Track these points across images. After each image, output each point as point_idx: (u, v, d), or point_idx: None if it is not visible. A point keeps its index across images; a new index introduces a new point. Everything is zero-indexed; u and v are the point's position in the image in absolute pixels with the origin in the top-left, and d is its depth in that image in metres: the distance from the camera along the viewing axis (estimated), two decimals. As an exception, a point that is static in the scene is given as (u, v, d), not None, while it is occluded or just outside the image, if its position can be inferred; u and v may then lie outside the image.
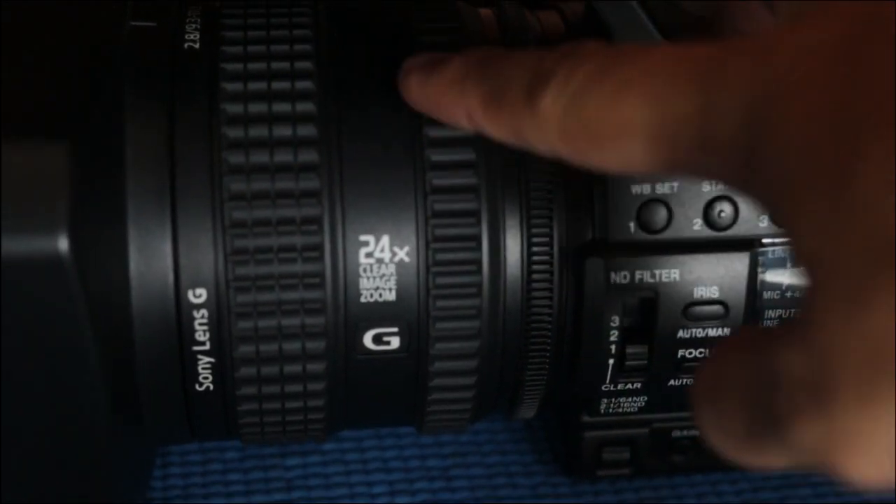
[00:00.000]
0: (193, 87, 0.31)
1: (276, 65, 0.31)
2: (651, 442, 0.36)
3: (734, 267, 0.32)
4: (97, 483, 0.32)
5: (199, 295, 0.30)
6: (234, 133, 0.30)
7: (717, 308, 0.32)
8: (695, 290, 0.32)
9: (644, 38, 0.31)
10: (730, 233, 0.32)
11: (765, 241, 0.32)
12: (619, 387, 0.34)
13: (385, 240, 0.31)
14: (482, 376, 0.32)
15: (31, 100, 0.28)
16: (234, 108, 0.30)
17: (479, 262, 0.31)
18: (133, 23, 0.32)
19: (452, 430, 0.35)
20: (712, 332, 0.32)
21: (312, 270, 0.30)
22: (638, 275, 0.32)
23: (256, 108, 0.30)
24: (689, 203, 0.32)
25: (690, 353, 0.33)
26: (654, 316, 0.32)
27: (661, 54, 0.23)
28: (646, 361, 0.33)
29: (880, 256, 0.18)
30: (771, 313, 0.33)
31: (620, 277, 0.32)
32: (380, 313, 0.31)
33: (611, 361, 0.33)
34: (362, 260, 0.31)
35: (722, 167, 0.22)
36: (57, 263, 0.27)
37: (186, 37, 0.32)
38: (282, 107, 0.30)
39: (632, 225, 0.32)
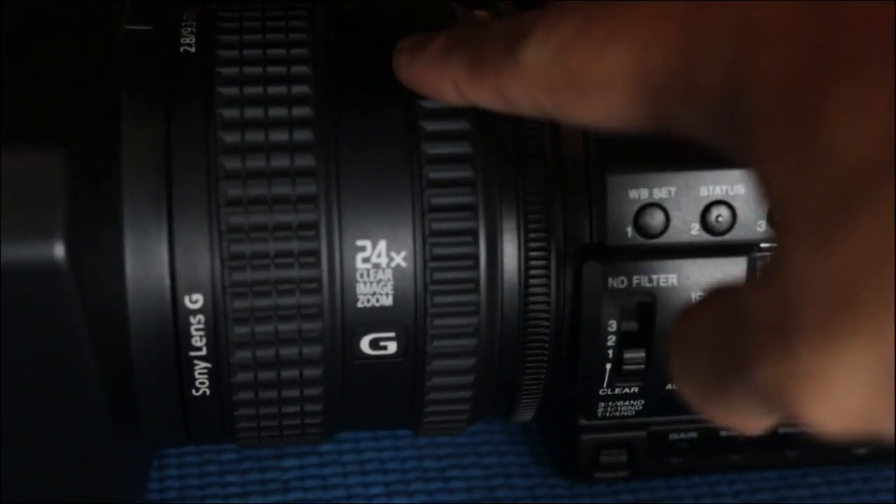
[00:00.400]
0: (189, 92, 0.31)
1: (272, 69, 0.31)
2: (648, 444, 0.36)
3: (732, 271, 0.32)
4: (94, 486, 0.32)
5: (195, 300, 0.30)
6: (231, 138, 0.30)
7: (714, 313, 0.32)
8: (692, 294, 0.32)
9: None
10: (727, 237, 0.32)
11: (762, 245, 0.32)
12: (617, 391, 0.34)
13: (382, 245, 0.31)
14: (479, 377, 0.32)
15: (27, 105, 0.28)
16: (231, 113, 0.30)
17: (476, 281, 0.31)
18: (129, 27, 0.31)
19: (450, 434, 0.35)
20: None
21: (309, 276, 0.30)
22: (635, 279, 0.32)
23: (252, 112, 0.30)
24: (687, 207, 0.32)
25: (688, 358, 0.33)
26: (651, 320, 0.32)
27: (646, 6, 0.22)
28: (643, 366, 0.33)
29: (847, 193, 0.17)
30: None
31: (618, 282, 0.32)
32: (377, 318, 0.31)
33: (608, 366, 0.33)
34: (359, 265, 0.31)
35: (703, 121, 0.21)
36: (53, 269, 0.27)
37: (182, 40, 0.32)
38: (278, 111, 0.30)
39: (629, 229, 0.32)
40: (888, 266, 0.17)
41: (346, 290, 0.31)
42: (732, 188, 0.32)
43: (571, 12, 0.24)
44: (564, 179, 0.32)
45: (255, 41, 0.31)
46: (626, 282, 0.32)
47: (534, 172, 0.32)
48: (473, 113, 0.31)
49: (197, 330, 0.30)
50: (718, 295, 0.22)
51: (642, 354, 0.33)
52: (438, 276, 0.31)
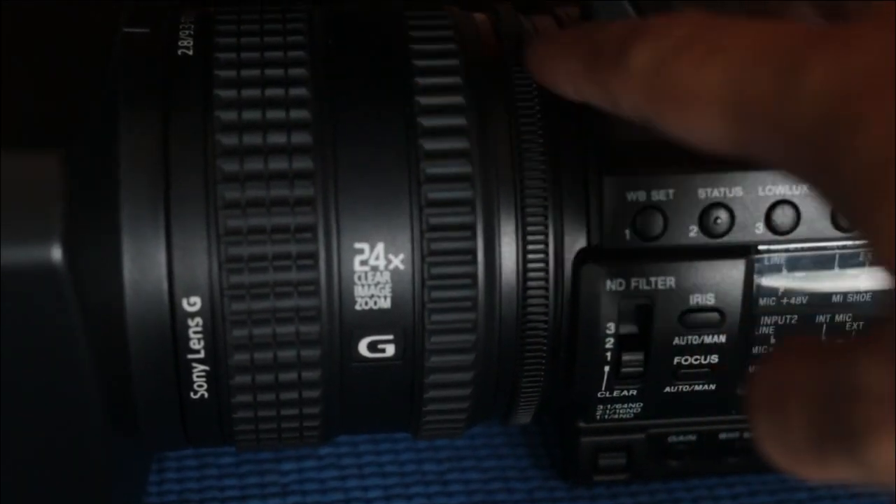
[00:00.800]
0: (187, 95, 0.31)
1: (270, 71, 0.31)
2: (647, 447, 0.36)
3: (730, 274, 0.32)
4: (93, 489, 0.32)
5: (193, 303, 0.30)
6: (229, 140, 0.30)
7: (713, 315, 0.32)
8: (691, 297, 0.32)
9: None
10: (725, 240, 0.32)
11: (760, 247, 0.32)
12: (615, 393, 0.34)
13: (380, 247, 0.31)
14: (478, 376, 0.32)
15: (25, 108, 0.28)
16: (228, 116, 0.30)
17: (474, 276, 0.31)
18: (126, 29, 0.31)
19: (448, 436, 0.35)
20: (708, 340, 0.32)
21: (307, 278, 0.30)
22: (634, 282, 0.32)
23: (250, 115, 0.30)
24: (685, 210, 0.32)
25: (686, 361, 0.33)
26: (650, 323, 0.32)
27: (752, 28, 0.23)
28: (642, 369, 0.33)
29: None
30: (767, 320, 0.33)
31: (616, 285, 0.32)
32: (375, 321, 0.31)
33: (606, 368, 0.33)
34: (357, 267, 0.30)
35: (792, 155, 0.21)
36: (51, 273, 0.27)
37: (180, 43, 0.32)
38: (276, 114, 0.30)
39: (627, 232, 0.32)
40: None
41: (344, 292, 0.31)
42: (730, 190, 0.32)
43: (681, 23, 0.24)
44: (562, 181, 0.32)
45: (253, 44, 0.31)
46: (624, 284, 0.32)
47: (531, 175, 0.32)
48: (471, 112, 0.31)
49: (195, 333, 0.30)
50: (813, 351, 0.21)
51: (640, 357, 0.33)
52: (436, 271, 0.31)
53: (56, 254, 0.27)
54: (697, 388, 0.33)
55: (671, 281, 0.32)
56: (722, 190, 0.32)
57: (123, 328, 0.30)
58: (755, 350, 0.33)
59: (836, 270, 0.32)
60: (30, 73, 0.29)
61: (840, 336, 0.33)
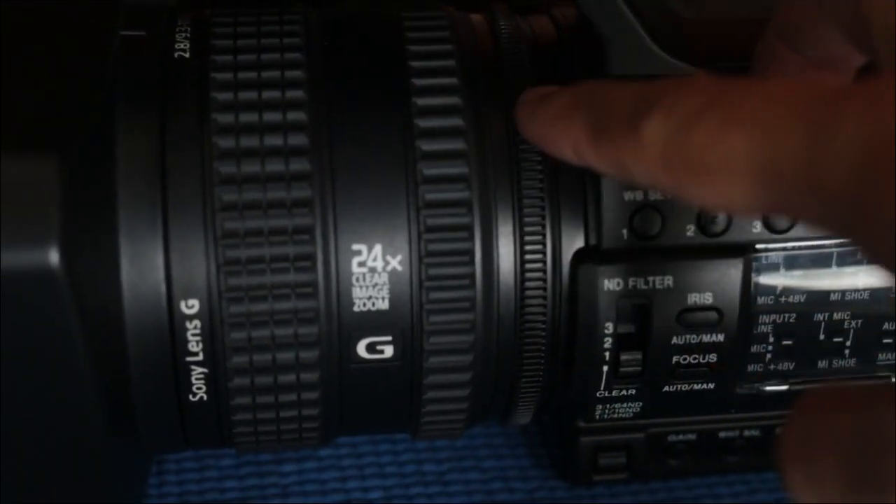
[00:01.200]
0: (184, 97, 0.31)
1: (266, 74, 0.31)
2: (647, 446, 0.36)
3: (728, 273, 0.32)
4: (92, 492, 0.32)
5: (191, 306, 0.30)
6: (225, 143, 0.30)
7: (711, 314, 0.32)
8: (688, 296, 0.32)
9: (635, 44, 0.31)
10: (723, 239, 0.32)
11: (758, 246, 0.32)
12: (614, 393, 0.34)
13: (378, 249, 0.31)
14: (476, 375, 0.32)
15: (22, 111, 0.28)
16: (225, 118, 0.30)
17: (472, 277, 0.31)
18: (123, 32, 0.31)
19: (447, 437, 0.35)
20: (707, 339, 0.32)
21: (305, 280, 0.30)
22: (631, 281, 0.32)
23: (247, 117, 0.30)
24: (682, 209, 0.32)
25: (685, 360, 0.33)
26: (648, 322, 0.32)
27: (772, 90, 0.22)
28: (640, 368, 0.33)
29: None
30: (765, 318, 0.33)
31: (614, 284, 0.32)
32: (373, 322, 0.31)
33: (605, 368, 0.33)
34: (355, 269, 0.31)
35: (827, 213, 0.21)
36: (49, 276, 0.27)
37: (177, 46, 0.32)
38: (272, 116, 0.30)
39: (625, 232, 0.32)
40: None
41: (342, 294, 0.31)
42: (728, 189, 0.32)
43: (697, 89, 0.23)
44: (559, 181, 0.32)
45: (250, 46, 0.31)
46: (622, 283, 0.32)
47: (529, 175, 0.32)
48: (468, 112, 0.31)
49: (193, 335, 0.30)
50: (843, 401, 0.21)
51: (639, 356, 0.33)
52: (434, 272, 0.31)
53: (53, 257, 0.27)
54: (696, 387, 0.33)
55: (669, 280, 0.32)
56: (719, 189, 0.32)
57: (122, 331, 0.30)
58: (753, 349, 0.33)
59: (834, 269, 0.32)
60: (27, 76, 0.29)
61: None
